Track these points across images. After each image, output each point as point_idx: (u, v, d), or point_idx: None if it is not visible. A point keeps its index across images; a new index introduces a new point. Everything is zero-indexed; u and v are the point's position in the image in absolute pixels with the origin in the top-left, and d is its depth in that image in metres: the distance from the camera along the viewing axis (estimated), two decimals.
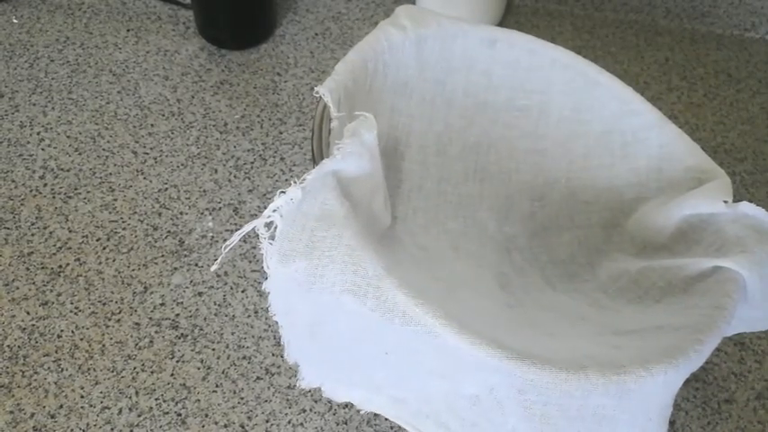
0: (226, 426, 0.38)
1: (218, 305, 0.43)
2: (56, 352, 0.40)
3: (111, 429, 0.38)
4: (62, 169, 0.49)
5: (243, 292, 0.44)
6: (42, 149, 0.50)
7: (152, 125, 0.52)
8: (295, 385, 0.40)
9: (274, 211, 0.28)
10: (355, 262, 0.27)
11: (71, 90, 0.54)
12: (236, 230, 0.46)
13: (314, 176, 0.29)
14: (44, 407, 0.38)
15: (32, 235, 0.45)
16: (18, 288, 0.43)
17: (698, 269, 0.34)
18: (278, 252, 0.28)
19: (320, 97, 0.33)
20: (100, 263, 0.44)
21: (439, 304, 0.27)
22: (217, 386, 0.40)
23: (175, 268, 0.44)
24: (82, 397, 0.39)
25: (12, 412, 0.38)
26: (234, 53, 0.58)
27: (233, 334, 0.42)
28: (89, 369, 0.40)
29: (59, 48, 0.57)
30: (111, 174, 0.49)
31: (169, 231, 0.46)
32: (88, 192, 0.48)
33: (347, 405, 0.40)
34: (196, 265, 0.45)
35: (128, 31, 0.59)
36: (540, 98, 0.41)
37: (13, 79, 0.54)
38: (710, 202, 0.35)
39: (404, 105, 0.40)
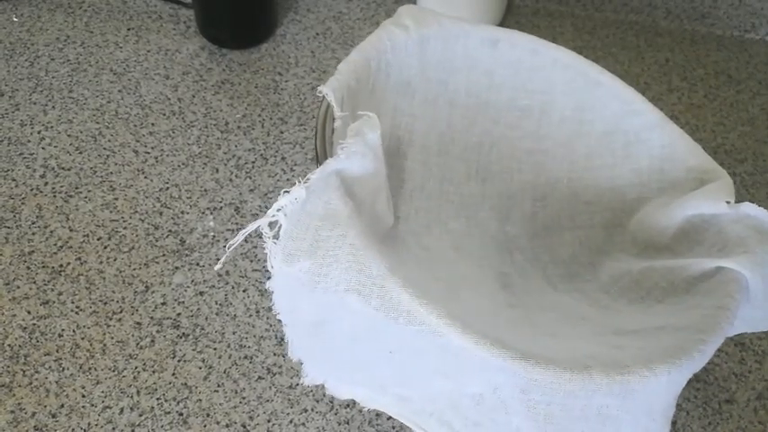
0: (227, 425, 0.38)
1: (220, 305, 0.43)
2: (57, 351, 0.40)
3: (113, 429, 0.38)
4: (63, 168, 0.49)
5: (244, 291, 0.44)
6: (43, 148, 0.50)
7: (153, 124, 0.52)
8: (297, 385, 0.40)
9: (278, 210, 0.28)
10: (359, 261, 0.27)
11: (72, 89, 0.54)
12: (238, 230, 0.47)
13: (318, 176, 0.29)
14: (45, 406, 0.38)
15: (33, 234, 0.45)
16: (19, 287, 0.43)
17: (700, 269, 0.34)
18: (282, 251, 0.28)
19: (323, 97, 0.33)
20: (101, 262, 0.44)
21: (443, 304, 0.27)
22: (218, 386, 0.40)
23: (177, 268, 0.44)
24: (83, 396, 0.39)
25: (13, 412, 0.38)
26: (235, 52, 0.58)
27: (234, 333, 0.42)
28: (90, 368, 0.40)
29: (60, 46, 0.56)
30: (112, 173, 0.49)
31: (170, 231, 0.46)
32: (89, 191, 0.48)
33: (349, 405, 0.40)
34: (197, 264, 0.45)
35: (128, 29, 0.59)
36: (541, 98, 0.41)
37: (14, 78, 0.54)
38: (713, 202, 0.35)
39: (406, 105, 0.40)
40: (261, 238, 0.45)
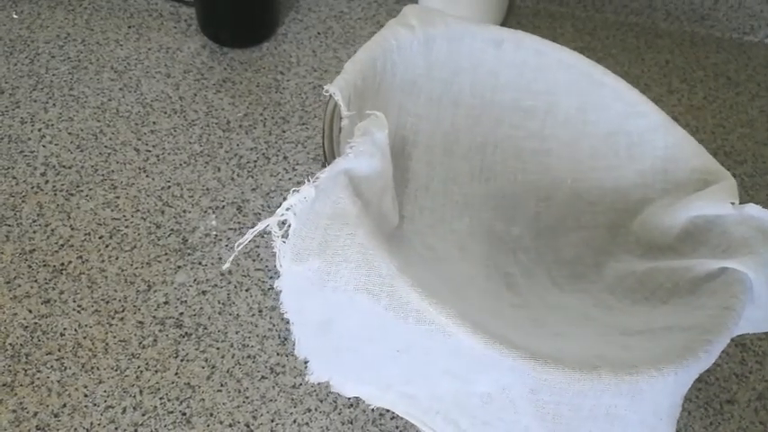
0: (231, 425, 0.38)
1: (223, 304, 0.43)
2: (59, 350, 0.40)
3: (116, 429, 0.37)
4: (64, 166, 0.48)
5: (247, 290, 0.44)
6: (44, 146, 0.49)
7: (154, 123, 0.52)
8: (300, 384, 0.40)
9: (288, 209, 0.28)
10: (369, 261, 0.27)
11: (72, 87, 0.53)
12: (240, 229, 0.46)
13: (327, 175, 0.29)
14: (47, 406, 0.38)
15: (34, 232, 0.45)
16: (20, 286, 0.42)
17: (705, 270, 0.34)
18: (291, 250, 0.28)
19: (330, 96, 0.33)
20: (102, 261, 0.44)
21: (452, 303, 0.27)
22: (221, 385, 0.40)
23: (179, 267, 0.44)
24: (85, 396, 0.38)
25: (14, 411, 0.37)
26: (236, 51, 0.58)
27: (237, 333, 0.42)
28: (92, 368, 0.39)
29: (60, 44, 0.56)
30: (113, 171, 0.49)
31: (172, 229, 0.46)
32: (90, 189, 0.47)
33: (352, 404, 0.40)
34: (200, 263, 0.44)
35: (129, 27, 0.58)
36: (546, 99, 0.41)
37: (14, 75, 0.53)
38: (717, 203, 0.35)
39: (411, 105, 0.40)
40: (264, 237, 0.45)
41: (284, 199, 0.48)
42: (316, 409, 0.39)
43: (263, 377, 0.40)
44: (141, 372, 0.40)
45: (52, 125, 0.51)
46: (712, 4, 0.65)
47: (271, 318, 0.42)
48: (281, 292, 0.29)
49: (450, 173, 0.41)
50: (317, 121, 0.53)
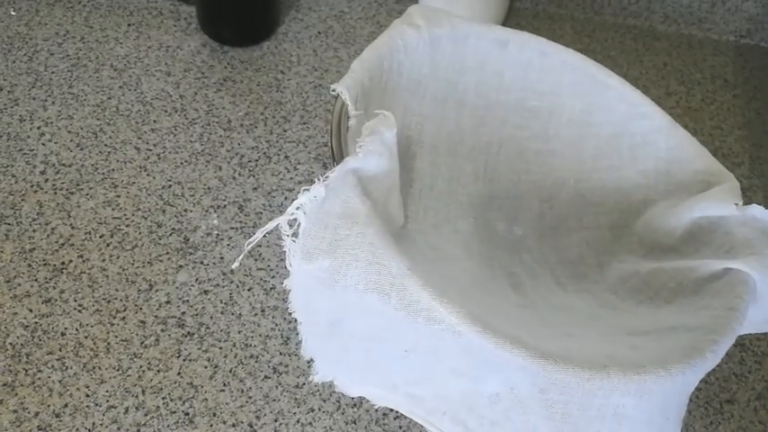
0: (234, 425, 0.38)
1: (225, 303, 0.43)
2: (60, 350, 0.40)
3: (118, 429, 0.37)
4: (63, 165, 0.48)
5: (249, 290, 0.43)
6: (43, 144, 0.49)
7: (155, 121, 0.52)
8: (303, 384, 0.40)
9: (298, 208, 0.28)
10: (379, 261, 0.27)
11: (71, 84, 0.53)
12: (242, 228, 0.46)
13: (336, 174, 0.29)
14: (48, 406, 0.37)
15: (34, 231, 0.44)
16: (20, 285, 0.42)
17: (708, 271, 0.34)
18: (301, 249, 0.28)
19: (338, 95, 0.33)
20: (103, 260, 0.44)
21: (461, 303, 0.27)
22: (224, 385, 0.39)
23: (180, 266, 0.44)
24: (87, 396, 0.38)
25: (15, 411, 0.37)
26: (236, 50, 0.57)
27: (240, 332, 0.41)
28: (94, 368, 0.39)
29: (59, 41, 0.56)
30: (113, 170, 0.48)
31: (174, 229, 0.46)
32: (90, 188, 0.47)
33: (356, 404, 0.39)
34: (201, 262, 0.44)
35: (128, 25, 0.58)
36: (550, 99, 0.41)
37: (12, 72, 0.53)
38: (721, 204, 0.35)
39: (417, 104, 0.40)
40: (266, 236, 0.45)
41: (286, 198, 0.49)
42: (319, 409, 0.39)
43: (266, 377, 0.40)
44: (143, 371, 0.39)
45: (51, 123, 0.50)
46: (710, 7, 0.65)
47: (273, 317, 0.42)
48: (289, 291, 0.29)
49: (455, 173, 0.42)
50: (318, 120, 0.53)
